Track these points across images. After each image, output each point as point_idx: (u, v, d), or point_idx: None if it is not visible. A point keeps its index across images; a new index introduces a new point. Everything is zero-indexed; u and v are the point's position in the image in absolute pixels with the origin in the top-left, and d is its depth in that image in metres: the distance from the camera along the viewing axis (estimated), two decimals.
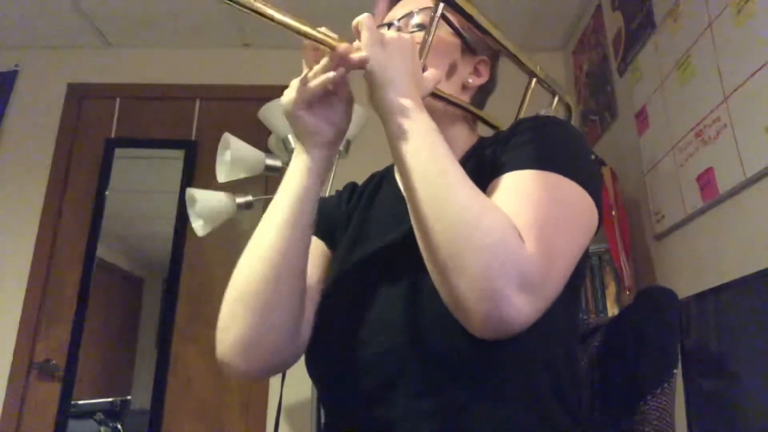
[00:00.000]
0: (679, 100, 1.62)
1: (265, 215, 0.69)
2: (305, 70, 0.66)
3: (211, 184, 1.95)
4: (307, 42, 0.64)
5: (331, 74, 0.63)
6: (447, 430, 0.60)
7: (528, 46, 2.67)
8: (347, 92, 0.69)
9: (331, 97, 0.68)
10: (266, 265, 0.66)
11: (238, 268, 0.68)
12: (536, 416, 0.62)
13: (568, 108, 0.99)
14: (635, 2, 1.93)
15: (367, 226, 0.79)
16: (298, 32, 0.62)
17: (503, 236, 0.54)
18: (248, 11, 0.59)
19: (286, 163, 1.93)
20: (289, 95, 0.67)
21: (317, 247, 0.81)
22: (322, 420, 1.78)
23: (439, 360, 0.62)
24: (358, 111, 2.21)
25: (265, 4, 0.60)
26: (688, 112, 1.56)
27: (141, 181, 2.72)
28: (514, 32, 2.59)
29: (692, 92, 1.55)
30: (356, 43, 0.65)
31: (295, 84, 0.67)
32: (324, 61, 0.64)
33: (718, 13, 1.42)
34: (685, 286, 1.55)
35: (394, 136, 0.62)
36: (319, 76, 0.64)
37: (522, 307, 0.52)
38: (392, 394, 0.63)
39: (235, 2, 0.57)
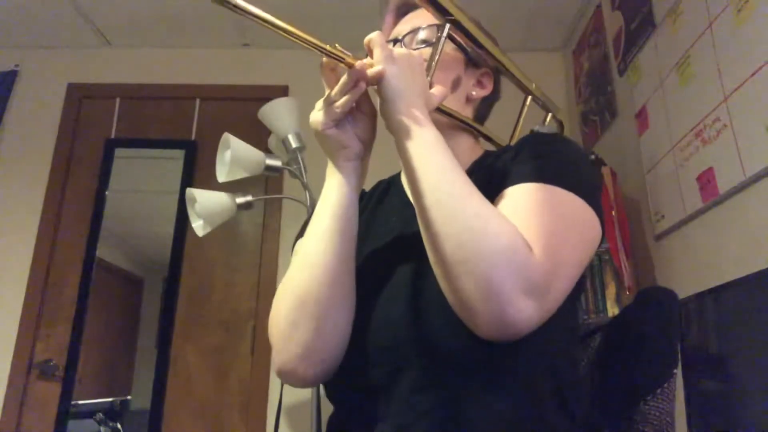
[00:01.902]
0: (679, 100, 1.62)
1: (310, 229, 0.72)
2: (327, 90, 0.68)
3: (211, 184, 1.95)
4: (325, 61, 0.67)
5: (354, 93, 0.66)
6: (446, 424, 0.62)
7: (528, 46, 2.68)
8: (370, 105, 0.72)
9: (356, 112, 0.71)
10: (321, 272, 0.68)
11: (290, 278, 0.71)
12: (534, 415, 0.63)
13: (561, 125, 1.02)
14: (635, 2, 1.93)
15: (374, 229, 0.82)
16: (319, 50, 0.64)
17: (511, 243, 0.56)
18: (280, 32, 0.62)
19: (286, 163, 1.95)
20: (316, 116, 0.69)
21: None
22: (322, 418, 1.78)
23: (440, 356, 0.64)
24: None
25: (289, 24, 0.62)
26: (688, 112, 1.56)
27: (141, 181, 2.72)
28: (513, 32, 2.60)
29: (692, 92, 1.55)
30: (368, 60, 0.67)
31: (319, 105, 0.69)
32: (344, 79, 0.66)
33: (718, 13, 1.42)
34: (685, 286, 1.55)
35: (404, 147, 0.65)
36: (341, 94, 0.66)
37: (526, 311, 0.55)
38: (394, 388, 0.65)
39: (268, 23, 0.61)
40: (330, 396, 0.75)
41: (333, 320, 0.68)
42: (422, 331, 0.65)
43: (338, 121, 0.68)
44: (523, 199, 0.64)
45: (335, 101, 0.67)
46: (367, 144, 0.73)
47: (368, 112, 0.72)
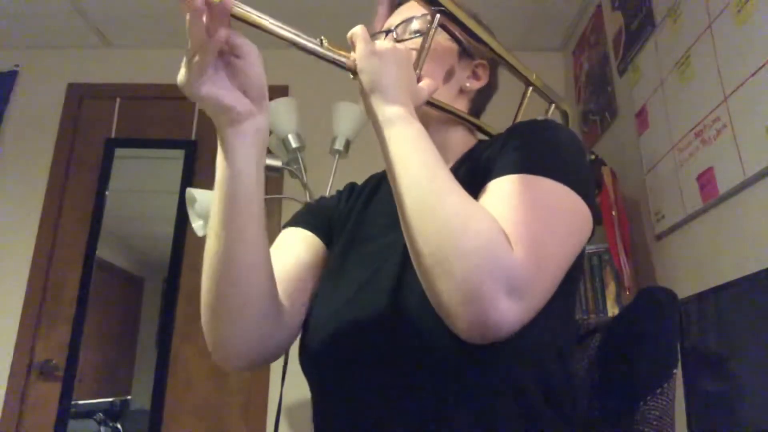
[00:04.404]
0: (679, 100, 1.62)
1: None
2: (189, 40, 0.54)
3: (211, 184, 1.94)
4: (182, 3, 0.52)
5: (220, 36, 0.53)
6: (430, 426, 0.61)
7: (528, 46, 2.68)
8: (246, 47, 0.57)
9: (231, 60, 0.57)
10: (215, 272, 0.63)
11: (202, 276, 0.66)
12: (522, 417, 0.61)
13: (565, 115, 1.00)
14: (635, 2, 1.93)
15: (363, 227, 0.80)
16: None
17: (490, 240, 0.53)
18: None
19: (286, 163, 1.94)
20: (181, 75, 0.56)
21: (305, 237, 0.83)
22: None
23: (423, 357, 0.62)
24: (357, 111, 2.21)
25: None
26: (688, 112, 1.56)
27: (141, 181, 2.72)
28: (513, 32, 2.60)
29: (692, 92, 1.55)
30: (352, 54, 0.65)
31: (185, 59, 0.56)
32: (187, 18, 0.52)
33: (718, 13, 1.42)
34: (685, 286, 1.55)
35: (384, 144, 0.63)
36: (197, 40, 0.53)
37: (508, 312, 0.52)
38: (377, 391, 0.64)
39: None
40: (315, 400, 0.73)
41: (244, 316, 0.65)
42: (404, 333, 0.63)
43: (206, 75, 0.55)
44: (504, 192, 0.61)
45: (195, 52, 0.54)
46: (258, 96, 0.60)
47: (248, 55, 0.58)
